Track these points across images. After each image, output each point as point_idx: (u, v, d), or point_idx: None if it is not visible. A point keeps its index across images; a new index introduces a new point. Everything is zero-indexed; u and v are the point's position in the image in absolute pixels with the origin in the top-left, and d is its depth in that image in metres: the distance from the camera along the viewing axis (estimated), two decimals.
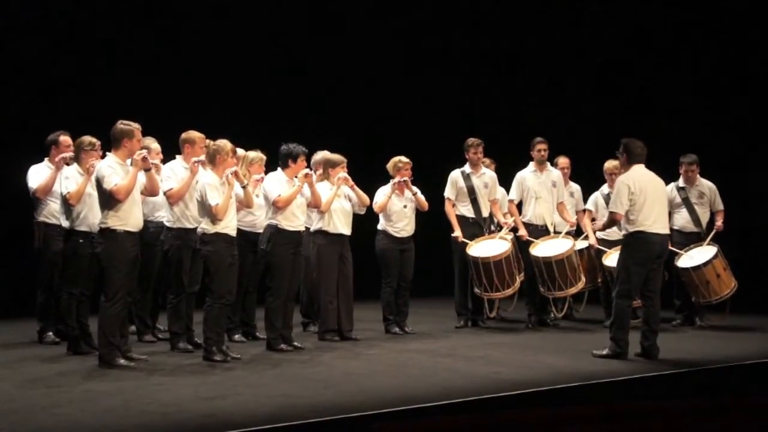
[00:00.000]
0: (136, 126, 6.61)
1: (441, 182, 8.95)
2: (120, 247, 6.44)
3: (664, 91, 11.33)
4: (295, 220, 7.39)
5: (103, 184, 6.42)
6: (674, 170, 9.15)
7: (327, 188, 7.86)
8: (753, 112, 10.82)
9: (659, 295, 7.17)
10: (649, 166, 7.15)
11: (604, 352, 6.98)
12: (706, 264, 8.60)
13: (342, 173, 7.90)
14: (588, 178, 9.55)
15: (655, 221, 6.94)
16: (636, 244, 6.94)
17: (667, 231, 7.14)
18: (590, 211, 9.19)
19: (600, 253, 8.93)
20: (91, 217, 6.89)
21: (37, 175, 7.53)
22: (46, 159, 7.60)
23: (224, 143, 6.92)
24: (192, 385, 5.89)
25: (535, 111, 11.63)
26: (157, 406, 5.27)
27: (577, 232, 9.20)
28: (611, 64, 11.61)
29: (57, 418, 4.99)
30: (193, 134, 7.32)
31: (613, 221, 7.16)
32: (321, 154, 8.25)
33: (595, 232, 9.03)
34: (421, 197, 8.50)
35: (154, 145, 7.42)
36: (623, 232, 7.09)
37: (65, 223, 7.05)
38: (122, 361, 6.45)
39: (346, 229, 7.99)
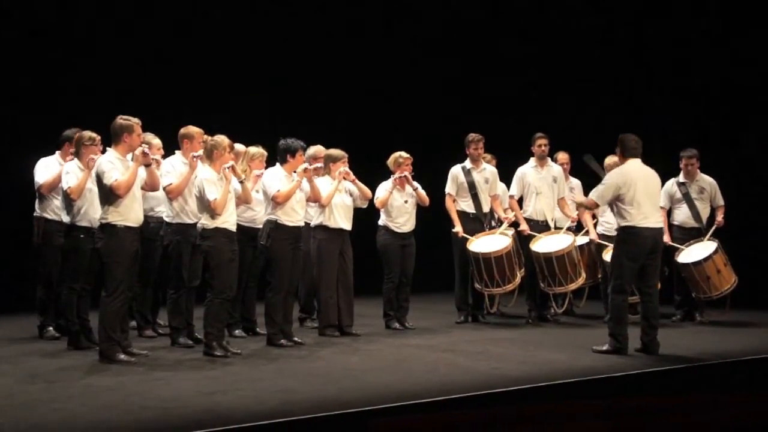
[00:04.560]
0: (135, 121, 6.60)
1: (442, 178, 8.95)
2: (120, 243, 6.44)
3: (665, 88, 11.33)
4: (295, 215, 7.39)
5: (103, 180, 6.41)
6: (674, 166, 9.14)
7: (328, 183, 7.86)
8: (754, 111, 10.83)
9: (657, 290, 7.18)
10: (649, 162, 7.15)
11: (604, 347, 6.99)
12: (706, 259, 8.59)
13: (343, 167, 7.90)
14: (588, 173, 9.52)
15: (646, 216, 6.95)
16: (628, 238, 6.96)
17: (660, 225, 7.14)
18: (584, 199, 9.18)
19: (600, 249, 8.93)
20: (92, 212, 6.89)
21: (46, 170, 7.51)
22: (57, 152, 7.58)
23: (221, 138, 6.92)
24: (192, 380, 5.90)
25: (535, 106, 11.62)
26: (157, 401, 5.28)
27: (578, 228, 9.20)
28: (611, 62, 11.60)
29: (57, 413, 5.00)
30: (192, 129, 7.32)
31: (589, 207, 7.76)
32: (314, 149, 8.22)
33: (595, 226, 9.04)
34: (422, 192, 8.50)
35: (155, 140, 7.41)
36: (616, 227, 7.11)
37: (66, 218, 7.05)
38: (123, 356, 6.46)
39: (346, 224, 7.99)
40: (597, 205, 7.32)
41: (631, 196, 6.91)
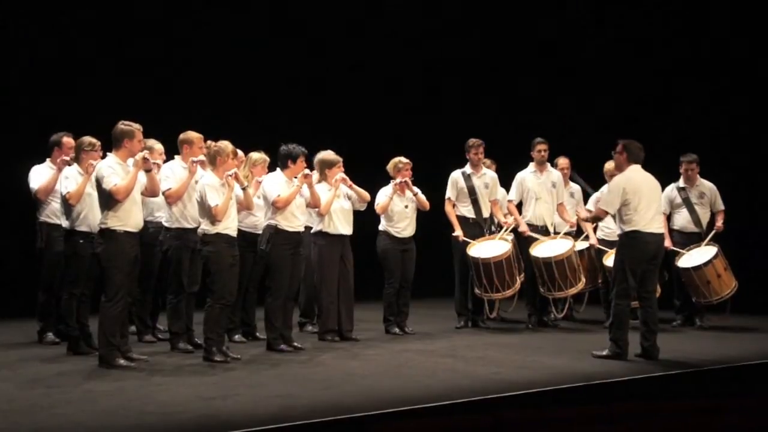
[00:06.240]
0: (136, 126, 6.60)
1: (442, 182, 8.95)
2: (120, 248, 6.44)
3: (665, 91, 11.34)
4: (295, 220, 7.39)
5: (102, 185, 6.41)
6: (674, 170, 9.15)
7: (325, 189, 7.85)
8: (753, 111, 10.83)
9: (655, 295, 7.19)
10: (648, 167, 7.16)
11: (604, 352, 6.99)
12: (706, 264, 8.60)
13: (339, 174, 7.89)
14: (588, 178, 9.53)
15: (650, 221, 6.97)
16: (632, 244, 6.96)
17: (662, 231, 7.17)
18: (590, 211, 9.18)
19: (600, 254, 8.93)
20: (91, 217, 6.89)
21: (39, 176, 7.53)
22: (47, 160, 7.60)
23: (225, 144, 6.92)
24: (192, 385, 5.89)
25: (535, 111, 11.63)
26: (157, 406, 5.27)
27: (578, 233, 9.20)
28: (609, 64, 11.62)
29: (57, 419, 4.99)
30: (191, 135, 7.32)
31: (599, 218, 7.59)
32: (323, 154, 8.21)
33: (595, 231, 9.05)
34: (422, 197, 8.50)
35: (157, 146, 7.41)
36: (618, 232, 7.11)
37: (65, 223, 7.05)
38: (122, 362, 6.46)
39: (346, 229, 7.99)
40: (607, 214, 7.17)
41: (636, 201, 6.91)
